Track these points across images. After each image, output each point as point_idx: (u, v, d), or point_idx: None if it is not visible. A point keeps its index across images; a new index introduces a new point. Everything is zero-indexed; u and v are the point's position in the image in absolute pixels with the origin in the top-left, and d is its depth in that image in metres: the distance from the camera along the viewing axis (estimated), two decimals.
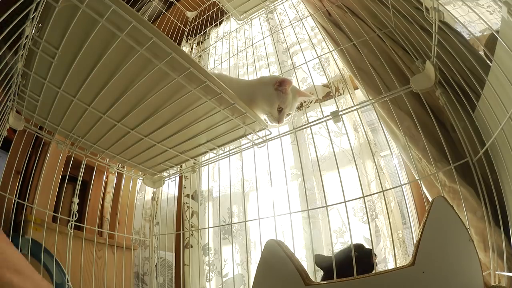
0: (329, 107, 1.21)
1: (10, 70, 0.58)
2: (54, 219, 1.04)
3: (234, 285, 1.11)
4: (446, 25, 0.70)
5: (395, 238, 0.92)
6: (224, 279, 1.17)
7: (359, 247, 0.69)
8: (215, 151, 0.95)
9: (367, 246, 0.72)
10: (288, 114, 0.85)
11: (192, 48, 1.80)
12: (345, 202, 0.68)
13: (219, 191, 1.27)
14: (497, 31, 0.50)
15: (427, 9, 0.61)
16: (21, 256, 0.49)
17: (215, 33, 1.78)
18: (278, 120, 0.82)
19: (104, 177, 1.48)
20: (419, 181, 0.78)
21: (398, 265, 0.57)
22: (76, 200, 0.89)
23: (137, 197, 1.52)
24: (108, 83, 0.66)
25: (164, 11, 1.69)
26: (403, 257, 0.89)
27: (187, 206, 1.38)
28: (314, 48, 1.22)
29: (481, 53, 0.71)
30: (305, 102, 1.25)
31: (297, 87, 0.89)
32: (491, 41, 0.58)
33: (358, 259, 0.61)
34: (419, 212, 0.95)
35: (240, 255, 1.19)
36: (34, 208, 0.89)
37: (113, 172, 1.39)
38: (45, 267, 0.85)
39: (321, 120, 0.82)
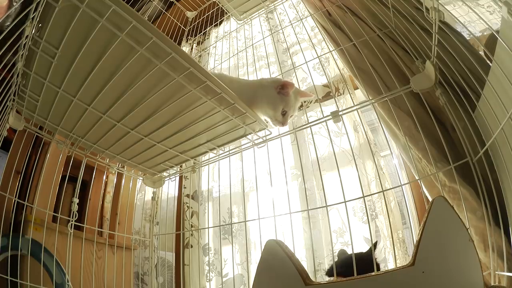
0: (329, 107, 1.21)
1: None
2: (54, 219, 1.04)
3: (234, 285, 1.11)
4: (446, 25, 0.70)
5: (395, 238, 0.92)
6: (224, 279, 1.17)
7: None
8: (215, 151, 0.95)
9: (367, 246, 0.72)
10: (291, 116, 0.84)
11: (192, 48, 1.80)
12: (345, 202, 0.68)
13: (219, 191, 1.27)
14: (497, 31, 0.50)
15: (427, 9, 0.61)
16: None
17: (215, 33, 1.78)
18: (283, 123, 0.81)
19: (104, 177, 1.47)
20: (419, 181, 0.78)
21: (398, 265, 0.57)
22: (76, 200, 0.89)
23: (137, 197, 1.52)
24: (108, 83, 0.66)
25: (164, 11, 1.69)
26: (403, 257, 0.89)
27: (187, 206, 1.37)
28: (314, 48, 1.22)
29: (481, 53, 0.71)
30: (305, 102, 1.25)
31: (297, 87, 0.89)
32: (491, 41, 0.58)
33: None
34: (419, 212, 0.95)
35: (240, 255, 1.19)
36: (34, 208, 0.90)
37: (113, 172, 1.39)
38: (45, 267, 0.85)
39: (321, 120, 0.82)
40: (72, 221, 0.86)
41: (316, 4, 1.16)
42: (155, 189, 1.19)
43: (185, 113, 0.76)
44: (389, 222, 0.88)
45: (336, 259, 0.74)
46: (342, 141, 1.11)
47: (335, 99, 1.11)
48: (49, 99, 0.71)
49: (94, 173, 1.11)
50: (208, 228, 1.31)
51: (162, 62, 0.61)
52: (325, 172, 1.10)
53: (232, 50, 1.49)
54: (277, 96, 0.80)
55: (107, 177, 1.50)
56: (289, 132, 0.92)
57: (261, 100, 0.81)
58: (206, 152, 0.96)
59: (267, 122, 0.85)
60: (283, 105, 0.80)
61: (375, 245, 0.71)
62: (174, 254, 1.32)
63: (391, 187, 1.00)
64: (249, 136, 0.89)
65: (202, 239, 1.31)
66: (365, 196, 0.74)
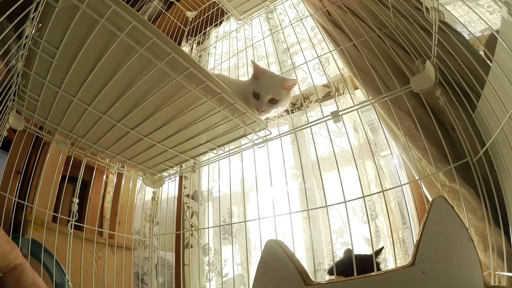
0: (329, 107, 1.21)
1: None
2: (54, 219, 1.04)
3: (234, 285, 1.11)
4: (446, 25, 0.70)
5: (395, 238, 0.92)
6: (224, 279, 1.17)
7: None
8: (215, 151, 0.95)
9: (367, 246, 0.72)
10: (275, 102, 0.80)
11: (192, 48, 1.80)
12: (345, 202, 0.68)
13: (219, 191, 1.27)
14: (497, 31, 0.50)
15: (427, 9, 0.61)
16: None
17: (215, 33, 1.78)
18: (257, 106, 0.80)
19: (104, 177, 1.47)
20: (419, 181, 0.78)
21: (398, 265, 0.57)
22: (76, 200, 0.89)
23: (137, 197, 1.52)
24: (108, 83, 0.66)
25: (164, 11, 1.69)
26: (403, 257, 0.89)
27: (187, 206, 1.37)
28: (314, 48, 1.22)
29: (481, 53, 0.71)
30: (305, 101, 1.25)
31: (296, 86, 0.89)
32: (491, 41, 0.58)
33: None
34: (419, 212, 0.95)
35: (240, 255, 1.19)
36: (34, 208, 0.89)
37: (113, 172, 1.39)
38: (45, 267, 0.85)
39: (321, 120, 0.82)
40: (72, 221, 0.86)
41: (316, 4, 1.16)
42: (155, 189, 1.19)
43: (185, 113, 0.76)
44: (389, 222, 0.88)
45: (341, 257, 0.74)
46: (342, 141, 1.11)
47: (335, 99, 1.11)
48: (49, 99, 0.71)
49: (94, 173, 1.11)
50: (208, 228, 1.31)
51: (162, 62, 0.61)
52: (325, 172, 1.10)
53: (232, 50, 1.49)
54: (252, 81, 0.82)
55: (107, 177, 1.50)
56: (289, 132, 0.92)
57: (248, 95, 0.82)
58: (206, 152, 0.96)
59: (267, 121, 0.85)
60: (253, 88, 0.80)
61: (379, 251, 0.71)
62: (174, 254, 1.32)
63: (391, 187, 0.99)
64: (249, 136, 0.89)
65: (202, 239, 1.31)
66: (365, 196, 0.74)
